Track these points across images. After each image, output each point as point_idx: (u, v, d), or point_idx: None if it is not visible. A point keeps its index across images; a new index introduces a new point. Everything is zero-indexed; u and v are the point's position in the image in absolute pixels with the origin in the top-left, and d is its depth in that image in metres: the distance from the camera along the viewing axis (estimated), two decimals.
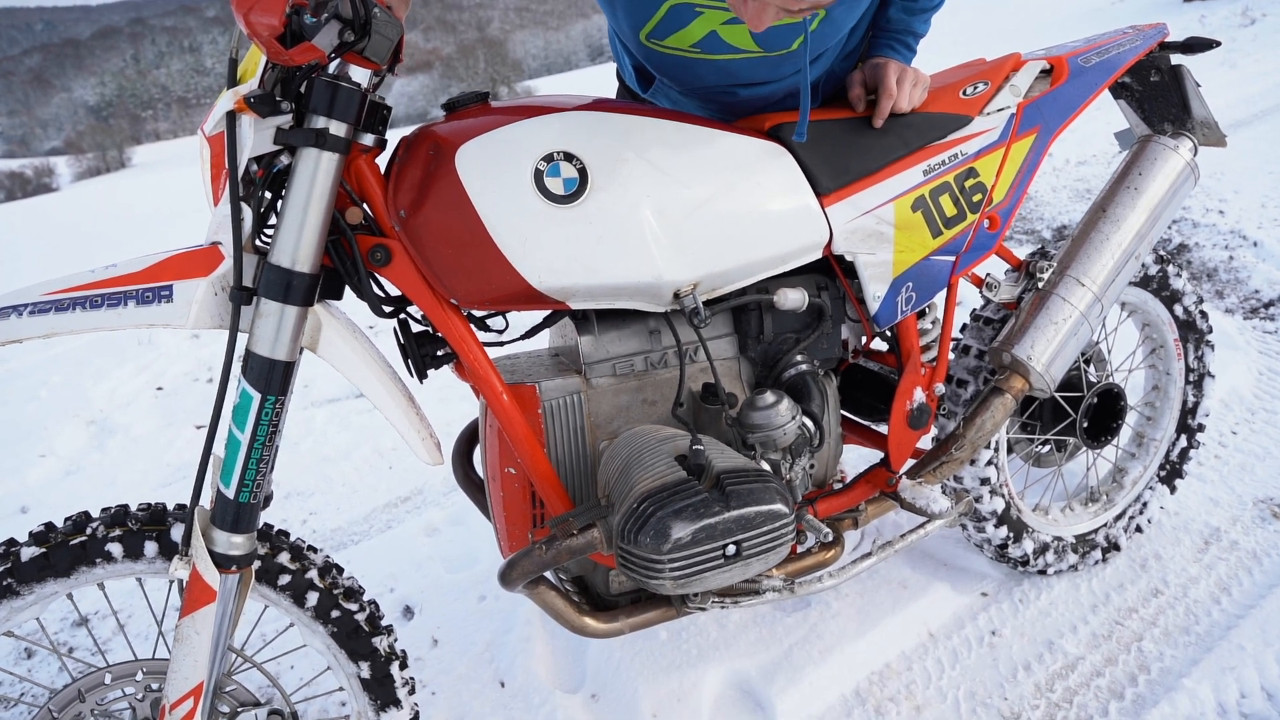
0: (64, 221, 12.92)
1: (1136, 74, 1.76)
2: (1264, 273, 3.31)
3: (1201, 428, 2.03)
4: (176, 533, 1.23)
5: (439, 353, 1.32)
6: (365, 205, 1.20)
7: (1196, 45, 1.71)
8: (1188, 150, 1.67)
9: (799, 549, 1.50)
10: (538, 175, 1.17)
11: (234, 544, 1.17)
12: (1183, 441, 2.03)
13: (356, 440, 3.05)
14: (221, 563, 1.17)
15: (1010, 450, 1.87)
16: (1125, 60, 1.64)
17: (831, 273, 1.46)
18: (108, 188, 23.45)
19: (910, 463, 1.64)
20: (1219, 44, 1.74)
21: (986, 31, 12.90)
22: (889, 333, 1.55)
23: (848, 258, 1.39)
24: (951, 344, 1.73)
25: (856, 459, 2.35)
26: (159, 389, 3.89)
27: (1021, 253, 3.92)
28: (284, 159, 1.14)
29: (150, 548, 1.22)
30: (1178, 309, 1.92)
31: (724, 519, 1.11)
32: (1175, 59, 1.75)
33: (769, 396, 1.25)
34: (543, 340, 1.59)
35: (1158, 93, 1.75)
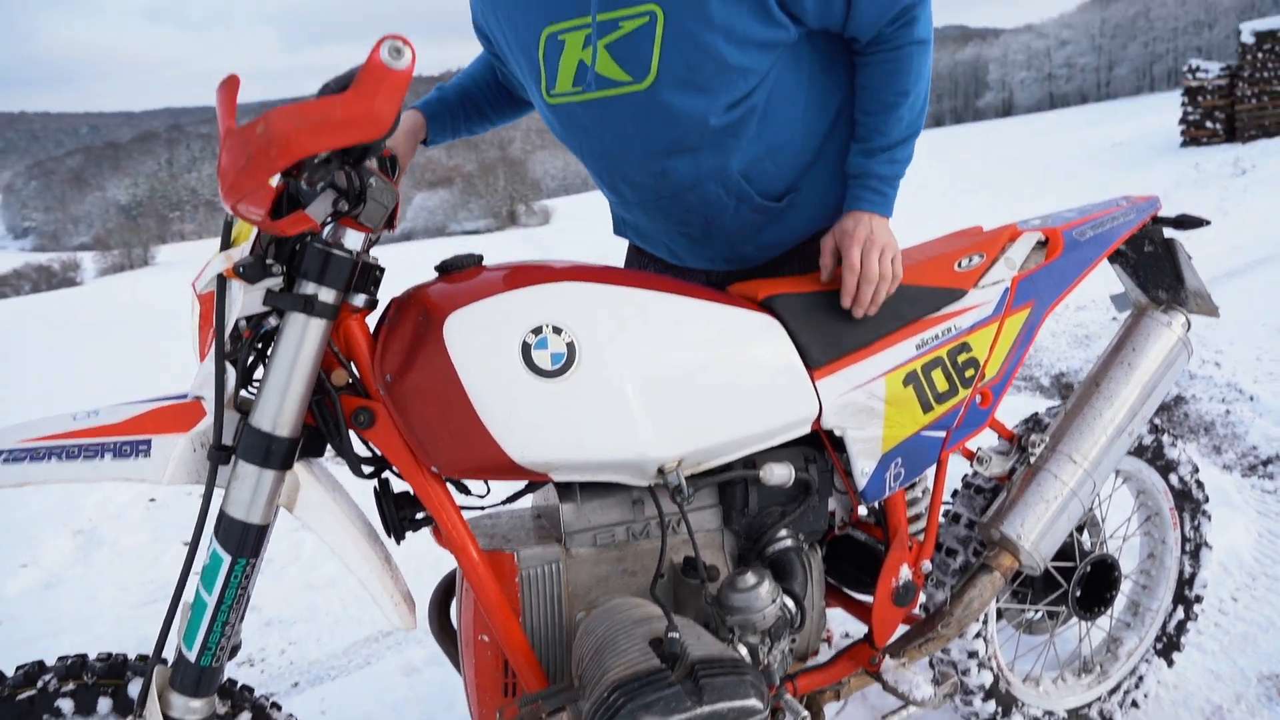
0: (81, 315, 13.14)
1: (1131, 243, 1.79)
2: (1261, 428, 3.30)
3: (1199, 599, 1.98)
4: (134, 688, 1.19)
5: (418, 515, 1.30)
6: (352, 365, 1.20)
7: (1187, 222, 1.75)
8: (1180, 326, 1.68)
9: None
10: (525, 348, 1.17)
11: (191, 709, 1.14)
12: (1180, 613, 1.97)
13: (344, 569, 2.99)
14: None
15: (1000, 617, 1.83)
16: (1119, 234, 1.67)
17: (820, 446, 1.45)
18: (129, 283, 23.93)
19: (899, 631, 1.59)
20: (1209, 223, 1.77)
21: (990, 171, 13.29)
22: (877, 506, 1.53)
23: (837, 432, 1.39)
24: (942, 512, 1.71)
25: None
26: (152, 500, 3.87)
27: (1017, 401, 3.93)
28: (272, 320, 1.14)
29: (104, 704, 1.17)
30: (1173, 478, 1.90)
31: (695, 715, 1.06)
32: (1168, 232, 1.79)
33: (750, 578, 1.22)
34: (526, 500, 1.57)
35: (1152, 262, 1.77)
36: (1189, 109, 14.69)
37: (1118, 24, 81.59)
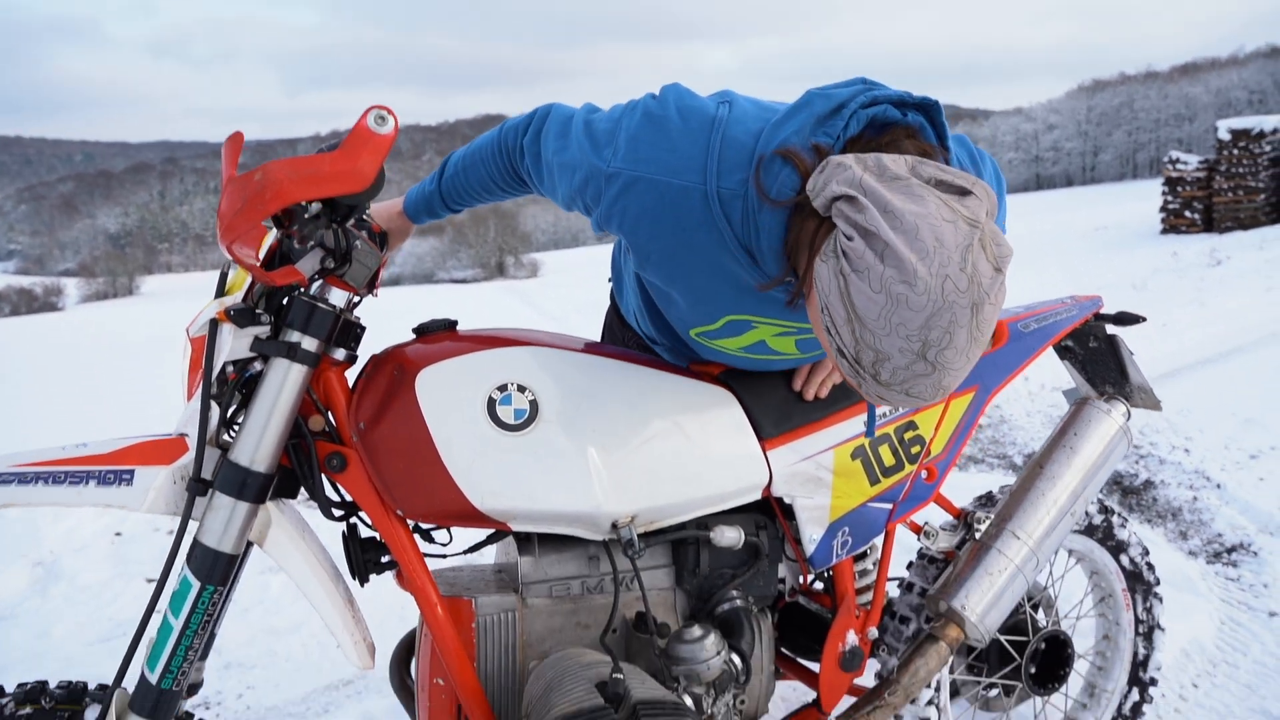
0: (60, 340, 13.09)
1: (1078, 339, 1.88)
2: (1227, 516, 3.36)
3: (1154, 681, 2.02)
4: (92, 714, 1.22)
5: (383, 559, 1.35)
6: (329, 413, 1.27)
7: (1126, 319, 1.84)
8: (1121, 415, 1.76)
9: None
10: (490, 403, 1.25)
11: None
12: (1135, 695, 2.01)
13: (308, 613, 2.98)
14: None
15: (957, 693, 1.86)
16: (1061, 328, 1.76)
17: (771, 513, 1.51)
18: (111, 312, 23.83)
19: (847, 701, 1.63)
20: (1144, 319, 1.87)
21: None
22: (826, 574, 1.58)
23: (786, 500, 1.45)
24: (897, 582, 1.75)
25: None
26: (117, 534, 3.82)
27: (990, 479, 3.99)
28: (257, 365, 1.22)
29: None
30: (1124, 559, 1.95)
31: None
32: (1110, 329, 1.88)
33: (696, 630, 1.28)
34: (489, 554, 1.62)
35: (1097, 358, 1.86)
36: (1169, 198, 15.10)
37: (1103, 111, 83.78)
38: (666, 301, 1.36)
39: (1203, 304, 7.30)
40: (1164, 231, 14.95)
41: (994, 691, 1.91)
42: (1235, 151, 14.45)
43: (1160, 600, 2.01)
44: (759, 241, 1.13)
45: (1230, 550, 3.12)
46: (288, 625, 2.92)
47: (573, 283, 19.93)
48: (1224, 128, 14.88)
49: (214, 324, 1.19)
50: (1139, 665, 2.00)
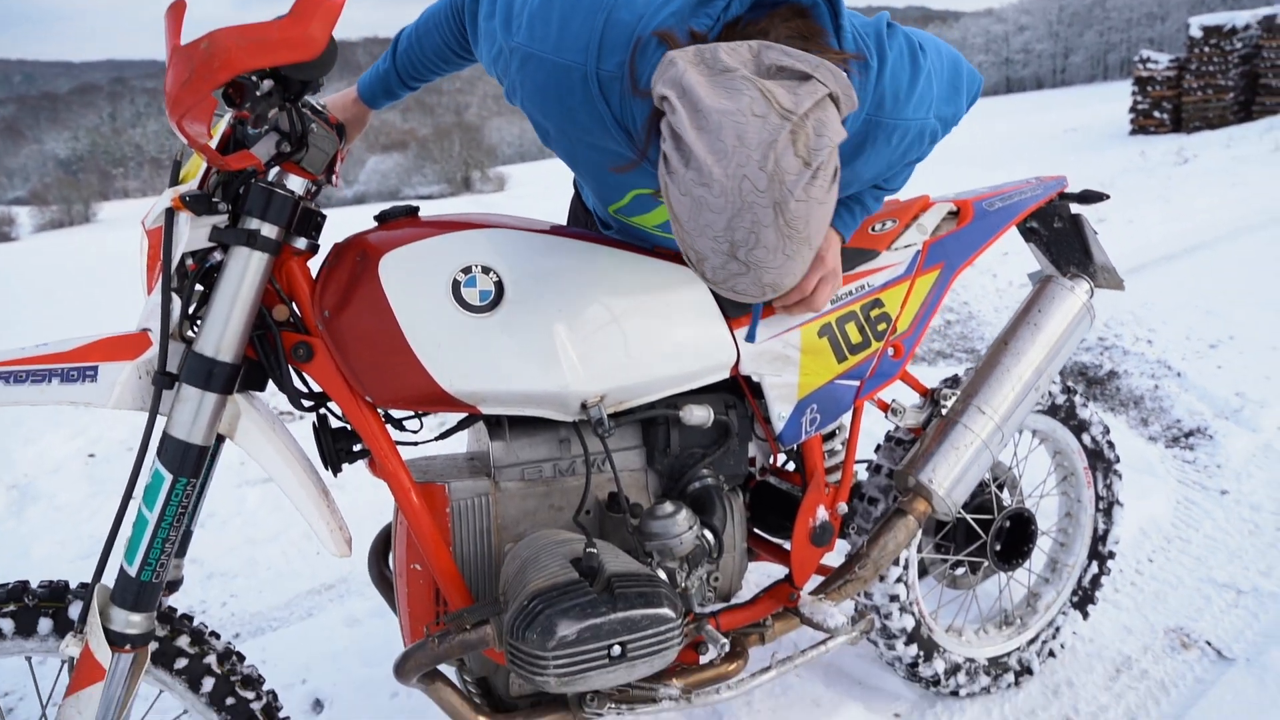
0: (18, 270, 12.77)
1: (1042, 219, 1.89)
2: (1186, 403, 3.45)
3: (1112, 555, 2.09)
4: (75, 611, 1.23)
5: (354, 448, 1.36)
6: (293, 304, 1.25)
7: (1090, 197, 1.85)
8: (1084, 292, 1.78)
9: (700, 660, 1.52)
10: (455, 285, 1.24)
11: (131, 622, 1.18)
12: (1094, 568, 2.09)
13: (286, 523, 3.01)
14: (116, 641, 1.17)
15: (925, 571, 1.92)
16: (1025, 207, 1.77)
17: (740, 392, 1.52)
18: (70, 240, 23.23)
19: (817, 580, 1.67)
20: (1108, 197, 1.87)
21: (940, 149, 13.47)
22: (796, 452, 1.60)
23: (754, 378, 1.46)
24: (865, 464, 1.79)
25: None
26: (91, 455, 3.82)
27: (959, 371, 4.05)
28: (217, 255, 1.19)
29: (44, 624, 1.22)
30: (1085, 438, 2.00)
31: (610, 620, 1.14)
32: (1075, 208, 1.88)
33: (668, 507, 1.30)
34: (460, 442, 1.63)
35: (1061, 238, 1.87)
36: (1139, 98, 15.05)
37: (1075, 12, 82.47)
38: (581, 178, 1.39)
39: (1168, 201, 7.34)
40: (1133, 133, 14.94)
41: (960, 569, 1.97)
42: (1206, 49, 14.36)
43: (1120, 477, 2.07)
44: (635, 125, 1.14)
45: (1188, 435, 3.22)
46: (267, 535, 2.96)
47: (540, 194, 19.68)
48: (1196, 25, 14.75)
49: (170, 213, 1.16)
50: (1099, 540, 2.08)
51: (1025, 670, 2.00)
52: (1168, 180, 8.46)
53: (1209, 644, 2.09)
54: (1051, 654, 2.05)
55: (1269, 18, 14.19)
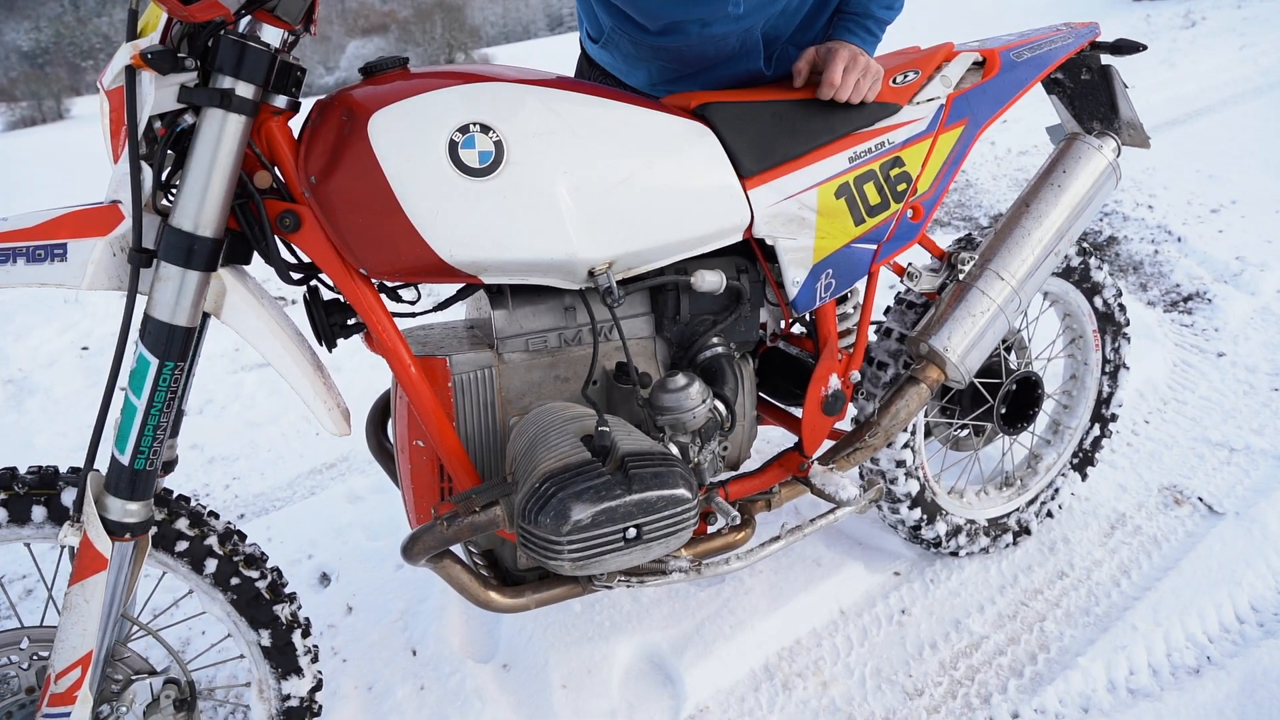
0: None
1: (1068, 71, 1.78)
2: (1185, 268, 3.42)
3: (1115, 418, 2.09)
4: (68, 497, 1.19)
5: (349, 321, 1.29)
6: (276, 169, 1.16)
7: (1125, 47, 1.73)
8: (1111, 150, 1.69)
9: (708, 529, 1.51)
10: (452, 146, 1.14)
11: (129, 511, 1.14)
12: (1096, 430, 2.08)
13: (285, 405, 3.00)
14: (115, 530, 1.14)
15: (929, 434, 1.91)
16: (1056, 57, 1.66)
17: (752, 256, 1.46)
18: (45, 137, 22.49)
19: (827, 445, 1.65)
20: (1145, 48, 1.76)
21: (938, 13, 12.98)
22: (808, 317, 1.56)
23: (768, 241, 1.39)
24: (874, 327, 1.74)
25: (780, 440, 2.38)
26: (84, 348, 3.76)
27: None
28: (188, 118, 1.09)
29: (38, 512, 1.18)
30: (1098, 301, 1.96)
31: (625, 502, 1.10)
32: (1105, 59, 1.78)
33: (680, 379, 1.25)
34: (459, 311, 1.56)
35: (1088, 91, 1.77)
36: None
37: None
38: None
39: (1173, 65, 7.12)
40: None
41: (964, 432, 1.96)
42: None
43: (1128, 340, 2.04)
44: None
45: (1187, 299, 3.19)
46: (265, 418, 2.94)
47: None
48: None
49: (130, 72, 1.05)
50: (1102, 403, 2.06)
51: (1024, 530, 2.02)
52: (1173, 44, 8.19)
53: (1201, 500, 2.13)
54: (1049, 514, 2.07)
55: None
